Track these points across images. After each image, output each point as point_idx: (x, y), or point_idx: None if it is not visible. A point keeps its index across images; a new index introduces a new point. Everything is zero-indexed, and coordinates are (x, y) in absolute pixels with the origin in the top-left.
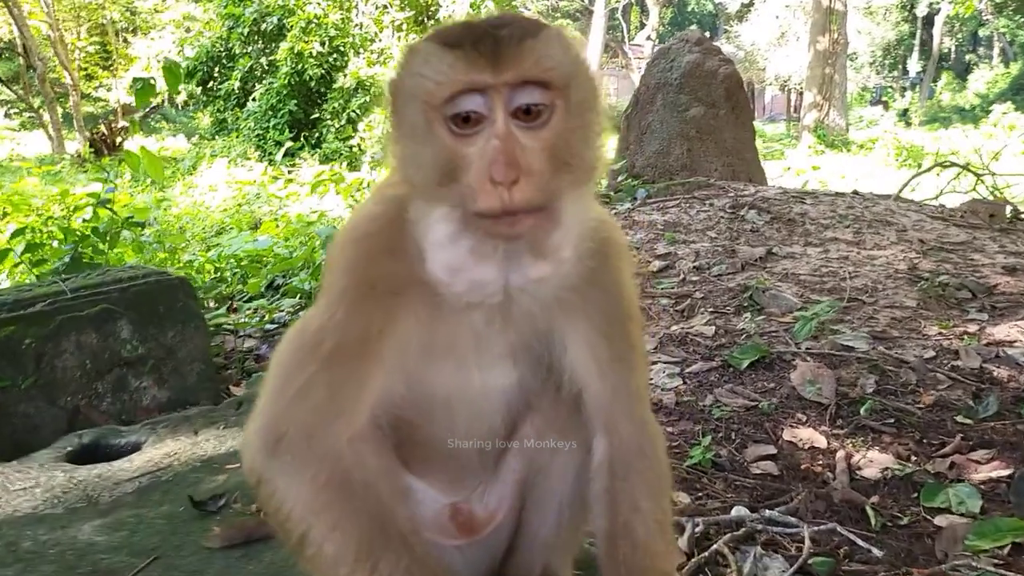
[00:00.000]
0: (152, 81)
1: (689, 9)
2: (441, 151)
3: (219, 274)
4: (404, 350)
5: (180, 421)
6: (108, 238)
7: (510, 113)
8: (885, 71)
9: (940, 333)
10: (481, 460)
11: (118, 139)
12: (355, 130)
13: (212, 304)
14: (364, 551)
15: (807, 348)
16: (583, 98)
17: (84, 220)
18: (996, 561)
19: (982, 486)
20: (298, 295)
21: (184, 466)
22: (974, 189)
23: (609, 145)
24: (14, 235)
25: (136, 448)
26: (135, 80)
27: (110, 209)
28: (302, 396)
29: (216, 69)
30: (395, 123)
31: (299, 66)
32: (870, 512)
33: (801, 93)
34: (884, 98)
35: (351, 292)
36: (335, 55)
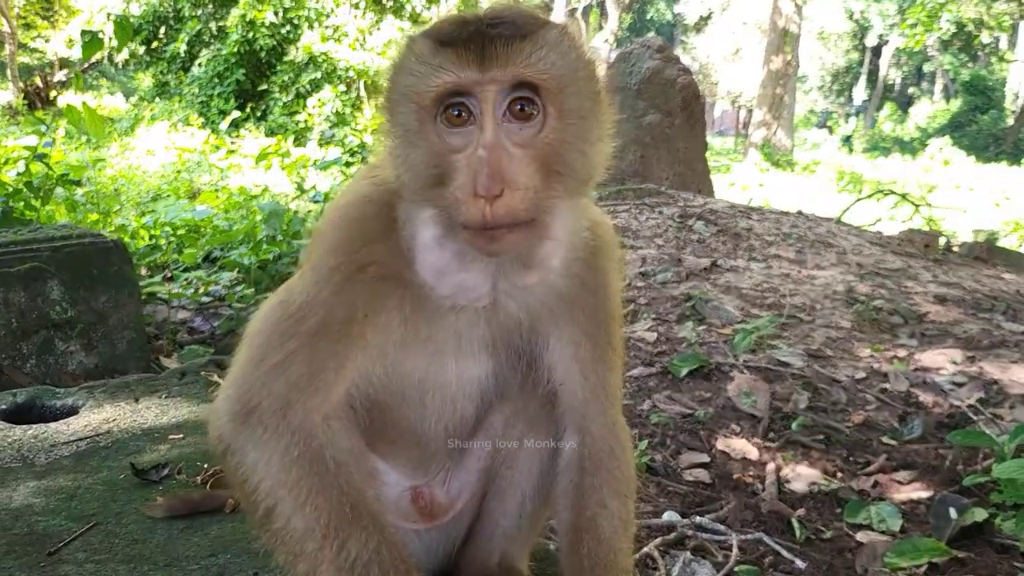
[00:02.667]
0: (100, 34)
1: (648, 17)
2: (430, 153)
3: (154, 241)
4: (386, 337)
5: (119, 387)
6: (41, 194)
7: (500, 114)
8: (832, 96)
9: (872, 355)
10: (448, 446)
11: (53, 93)
12: (304, 105)
13: (145, 272)
14: (334, 528)
15: (745, 361)
16: (580, 104)
17: (18, 174)
18: None
19: (903, 506)
20: (236, 269)
21: (124, 433)
22: (911, 219)
23: (610, 152)
24: None
25: (72, 411)
26: (83, 32)
27: (45, 164)
28: (280, 369)
29: (162, 29)
30: (388, 119)
31: (250, 34)
32: (796, 524)
33: (751, 110)
34: (829, 123)
35: (341, 272)
36: (288, 27)
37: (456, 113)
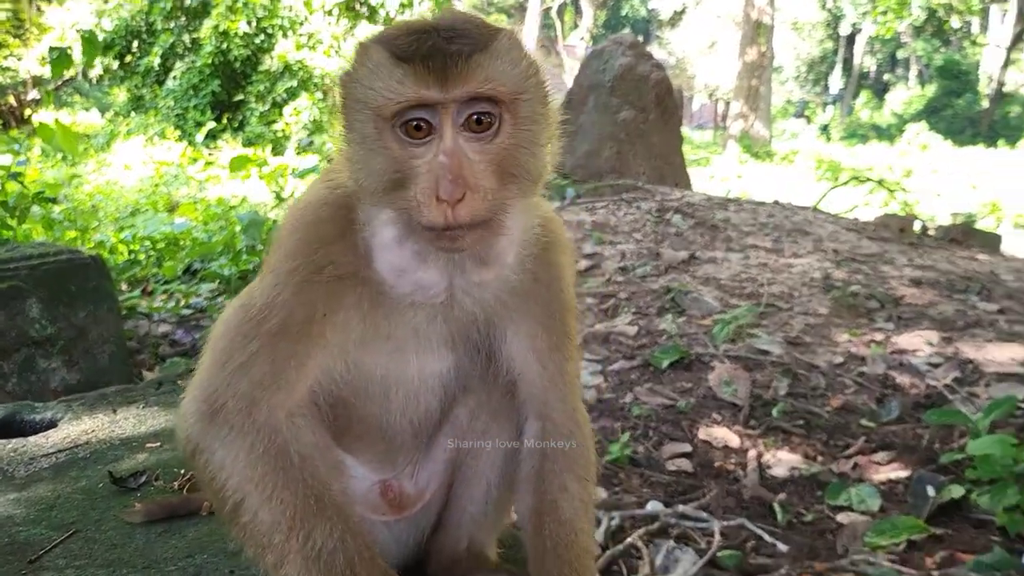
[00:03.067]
0: (69, 51)
1: (623, 13)
2: (390, 160)
3: (133, 256)
4: (346, 335)
5: (97, 399)
6: (18, 213)
7: (459, 126)
8: (809, 86)
9: (849, 340)
10: (414, 440)
11: (27, 111)
12: (280, 114)
13: (125, 287)
14: (299, 520)
15: (725, 350)
16: (532, 109)
17: None
18: (892, 557)
19: (882, 486)
20: (217, 280)
21: (102, 444)
22: (886, 204)
23: (556, 150)
24: None
25: (52, 425)
26: (51, 49)
27: (20, 183)
28: (244, 369)
29: (135, 43)
30: (345, 126)
31: (224, 45)
32: (777, 509)
33: (728, 102)
34: (806, 112)
35: (300, 274)
36: (262, 36)
37: (416, 126)
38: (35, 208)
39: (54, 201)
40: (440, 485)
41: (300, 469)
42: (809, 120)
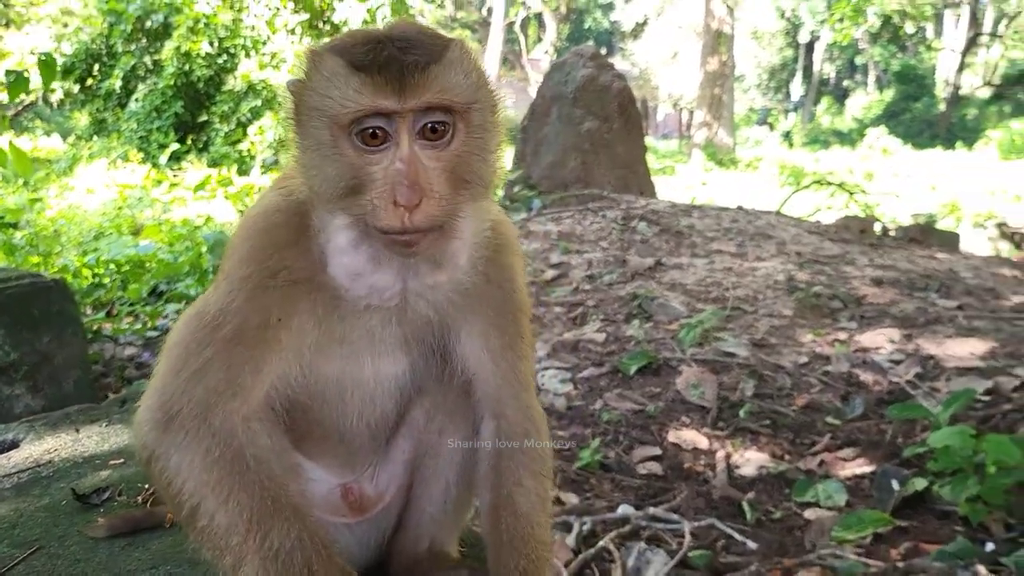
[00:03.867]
0: (26, 74)
1: (586, 26)
2: (346, 168)
3: (97, 279)
4: (301, 340)
5: (60, 419)
6: None
7: (415, 134)
8: (771, 93)
9: (814, 340)
10: (372, 442)
11: None
12: (245, 134)
13: (90, 311)
14: (256, 521)
15: (692, 354)
16: (484, 117)
17: None
18: (859, 550)
19: (848, 482)
20: (183, 301)
21: (65, 462)
22: (847, 206)
23: (506, 157)
24: None
25: (14, 445)
26: (8, 73)
27: None
28: (199, 376)
29: (96, 67)
30: (298, 133)
31: (186, 66)
32: (746, 507)
33: (692, 112)
34: (769, 119)
35: (253, 280)
36: (225, 56)
37: (372, 134)
38: None
39: (15, 226)
40: (400, 486)
41: (256, 472)
42: (772, 127)
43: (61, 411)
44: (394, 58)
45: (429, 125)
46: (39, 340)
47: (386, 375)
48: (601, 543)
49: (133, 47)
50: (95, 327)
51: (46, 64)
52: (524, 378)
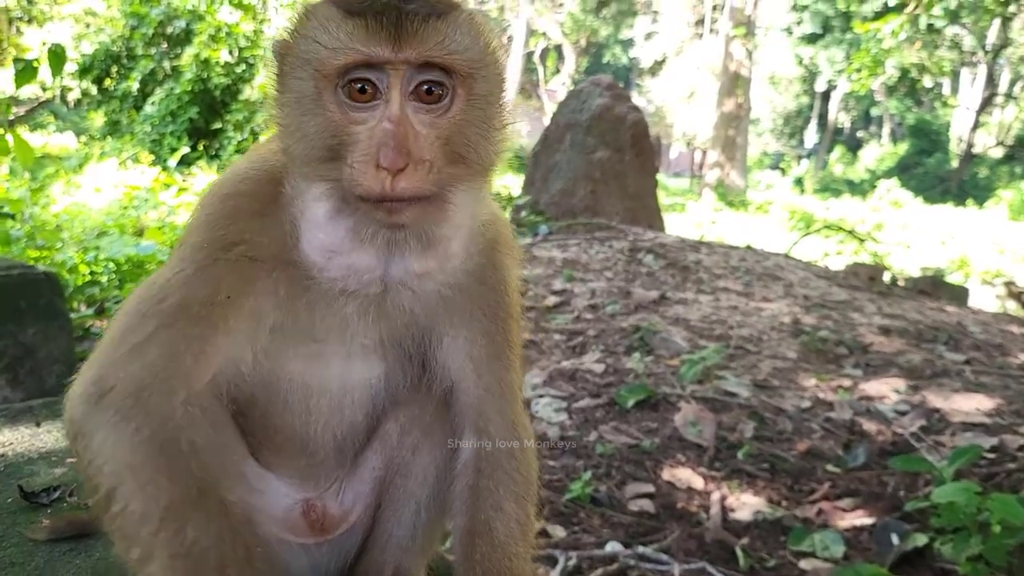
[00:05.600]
0: (36, 63)
1: (605, 60)
2: (328, 124)
3: (94, 277)
4: (256, 324)
5: (21, 411)
6: None
7: (408, 93)
8: (784, 139)
9: (817, 385)
10: (339, 456)
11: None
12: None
13: (84, 307)
14: (173, 512)
15: (692, 391)
16: (488, 89)
17: None
18: None
19: (846, 533)
20: None
21: (19, 457)
22: (856, 254)
23: (510, 141)
24: None
25: None
26: (15, 60)
27: None
28: (137, 351)
29: (114, 68)
30: (280, 88)
31: (204, 74)
32: (739, 553)
33: (705, 152)
34: (781, 164)
35: (204, 250)
36: (243, 66)
37: (360, 88)
38: None
39: (12, 217)
40: (366, 506)
41: (188, 458)
42: (784, 172)
43: (23, 403)
44: (392, 5)
45: (425, 86)
46: (23, 332)
47: (357, 381)
48: None
49: (153, 51)
50: (86, 324)
51: (55, 54)
52: (511, 391)
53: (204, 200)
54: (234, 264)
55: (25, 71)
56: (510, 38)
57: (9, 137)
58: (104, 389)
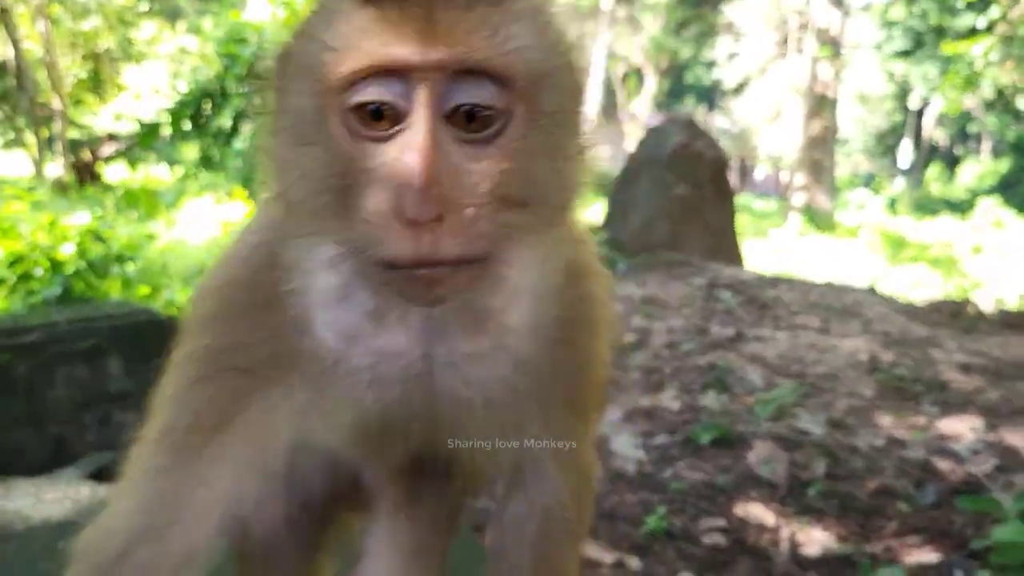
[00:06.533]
0: (157, 126)
1: (687, 82)
2: (334, 157)
3: None
4: (268, 442)
5: None
6: (100, 273)
7: (443, 114)
8: (877, 158)
9: (892, 423)
10: None
11: (101, 167)
12: None
13: None
14: None
15: (766, 429)
16: (559, 105)
17: (75, 252)
18: None
19: (913, 569)
20: None
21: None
22: (947, 281)
23: (589, 171)
24: (12, 264)
25: (108, 475)
26: (142, 125)
27: (103, 242)
28: (122, 505)
29: (208, 105)
30: (277, 111)
31: None
32: None
33: (792, 173)
34: (874, 184)
35: (198, 362)
36: None
37: (376, 111)
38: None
39: (132, 260)
40: None
41: None
42: (877, 192)
43: None
44: None
45: (465, 107)
46: (151, 373)
47: (396, 499)
48: None
49: (244, 88)
50: None
51: (175, 115)
52: (583, 458)
53: (198, 296)
54: (232, 377)
55: (150, 133)
56: (590, 62)
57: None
58: (90, 555)
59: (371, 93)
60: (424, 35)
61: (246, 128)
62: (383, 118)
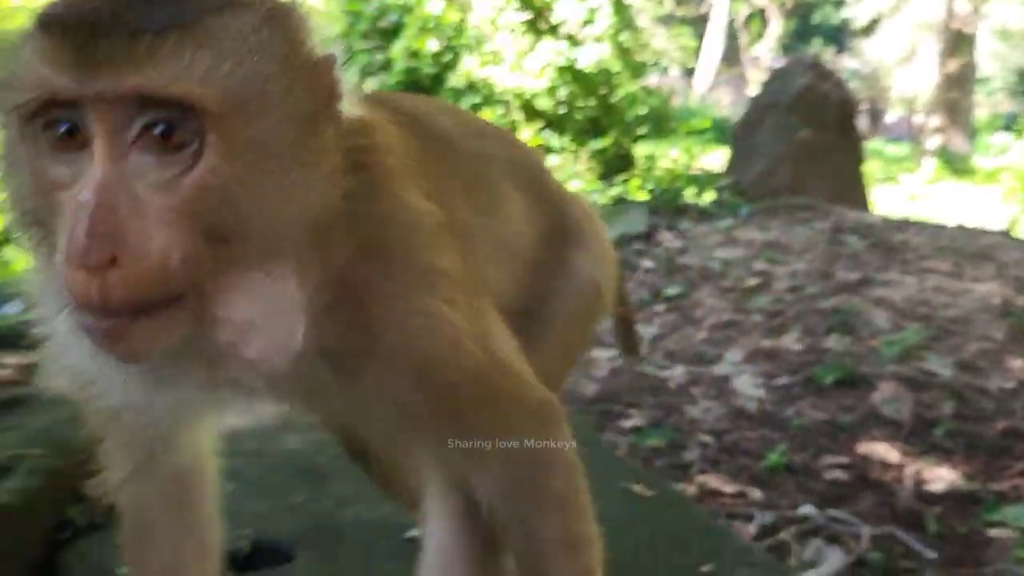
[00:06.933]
0: None
1: (814, 22)
2: (30, 181)
3: None
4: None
5: None
6: None
7: (130, 140)
8: (1020, 97)
9: None
10: None
11: None
12: None
13: None
14: None
15: (892, 370)
16: (267, 134)
17: None
18: None
19: None
20: None
21: None
22: None
23: (316, 199)
24: None
25: (287, 558)
26: None
27: None
28: None
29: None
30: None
31: (414, 64)
32: (929, 520)
33: (926, 115)
34: (1016, 126)
35: None
36: (450, 55)
37: (64, 130)
38: None
39: None
40: None
41: None
42: (1020, 135)
43: None
44: (97, 11)
45: (149, 136)
46: None
47: None
48: (781, 536)
49: (368, 45)
50: None
51: None
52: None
53: None
54: None
55: None
56: (712, 5)
57: None
58: None
59: (55, 113)
60: (86, 64)
61: (369, 83)
62: (74, 135)
